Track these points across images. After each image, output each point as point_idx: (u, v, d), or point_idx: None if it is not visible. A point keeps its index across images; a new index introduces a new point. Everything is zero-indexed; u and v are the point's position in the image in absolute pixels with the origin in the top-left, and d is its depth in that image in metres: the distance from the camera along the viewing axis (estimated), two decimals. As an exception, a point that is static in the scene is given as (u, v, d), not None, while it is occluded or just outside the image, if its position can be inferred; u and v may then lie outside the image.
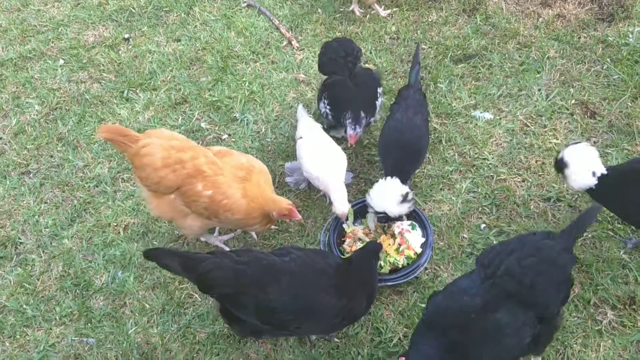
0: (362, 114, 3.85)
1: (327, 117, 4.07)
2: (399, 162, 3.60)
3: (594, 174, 3.24)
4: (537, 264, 2.66)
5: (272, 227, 3.73)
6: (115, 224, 4.01)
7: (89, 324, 3.57)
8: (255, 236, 3.86)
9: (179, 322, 3.53)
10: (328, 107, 4.02)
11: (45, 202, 4.18)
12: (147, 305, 3.61)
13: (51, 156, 4.45)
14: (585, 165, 3.27)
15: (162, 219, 3.74)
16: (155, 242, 3.88)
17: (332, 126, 4.13)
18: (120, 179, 4.25)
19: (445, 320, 2.68)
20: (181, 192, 3.32)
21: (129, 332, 3.50)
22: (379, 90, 4.08)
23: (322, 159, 3.72)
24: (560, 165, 3.35)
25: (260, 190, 3.41)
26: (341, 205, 3.56)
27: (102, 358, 3.43)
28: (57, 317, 3.61)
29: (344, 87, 3.99)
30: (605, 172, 3.24)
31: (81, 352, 3.46)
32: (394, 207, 3.40)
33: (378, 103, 4.03)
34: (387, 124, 3.82)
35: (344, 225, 3.74)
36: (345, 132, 3.87)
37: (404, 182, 3.52)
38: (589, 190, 3.29)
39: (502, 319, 2.60)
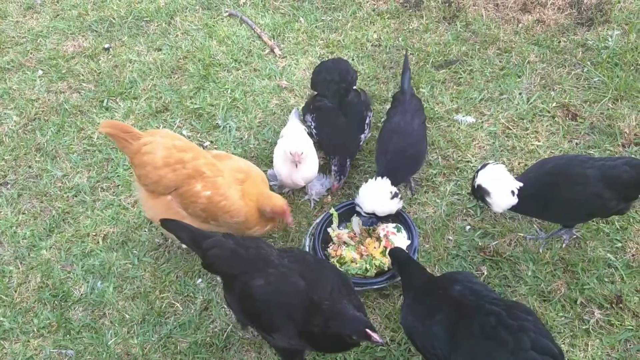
0: (348, 162, 3.87)
1: (311, 135, 4.04)
2: (394, 165, 3.60)
3: (513, 192, 3.21)
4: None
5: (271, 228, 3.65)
6: (94, 234, 3.92)
7: (68, 336, 3.46)
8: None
9: (160, 332, 3.44)
10: (315, 130, 4.01)
11: (23, 213, 4.09)
12: (127, 316, 3.52)
13: (29, 167, 4.37)
14: (504, 187, 3.22)
15: (154, 221, 3.68)
16: (135, 251, 3.80)
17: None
18: (99, 188, 4.17)
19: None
20: (179, 193, 3.28)
21: (109, 343, 3.41)
22: (368, 116, 4.05)
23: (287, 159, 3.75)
24: (481, 194, 3.28)
25: (257, 188, 3.40)
26: (294, 145, 3.64)
27: (81, 370, 3.34)
28: (35, 329, 3.50)
29: (333, 118, 3.95)
30: (520, 184, 3.22)
31: (59, 365, 3.36)
32: (383, 206, 3.41)
33: (363, 136, 4.02)
34: (384, 127, 3.81)
35: (329, 229, 3.69)
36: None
37: (394, 184, 3.54)
38: (511, 208, 3.29)
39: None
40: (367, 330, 2.52)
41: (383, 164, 3.66)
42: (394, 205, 3.48)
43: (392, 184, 3.53)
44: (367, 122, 4.02)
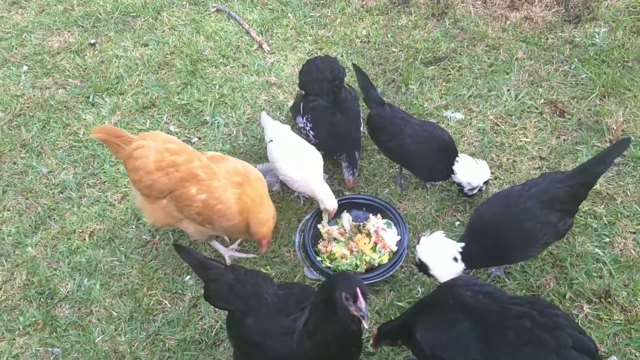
0: (357, 155, 3.84)
1: (307, 137, 4.00)
2: (438, 163, 3.69)
3: (455, 259, 3.10)
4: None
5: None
6: (80, 231, 3.87)
7: (54, 334, 3.42)
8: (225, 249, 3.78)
9: (148, 330, 3.41)
10: (312, 132, 3.96)
11: (8, 210, 4.03)
12: (115, 313, 3.48)
13: (14, 163, 4.30)
14: (444, 258, 3.11)
15: (158, 226, 3.65)
16: (122, 248, 3.76)
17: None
18: (85, 185, 4.12)
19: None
20: (174, 197, 3.23)
21: (96, 341, 3.37)
22: (360, 111, 4.05)
23: (298, 160, 3.67)
24: (423, 269, 3.18)
25: (257, 192, 3.34)
26: (332, 201, 3.56)
27: (68, 368, 3.30)
28: (21, 327, 3.45)
29: (331, 117, 3.91)
30: (461, 247, 3.12)
31: (46, 363, 3.31)
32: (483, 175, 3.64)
33: (361, 129, 4.00)
34: (402, 141, 3.70)
35: (319, 226, 3.68)
36: (342, 170, 3.89)
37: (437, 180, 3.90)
38: (470, 267, 3.19)
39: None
40: (358, 288, 2.30)
41: (436, 170, 3.76)
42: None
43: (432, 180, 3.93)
44: (361, 116, 4.01)
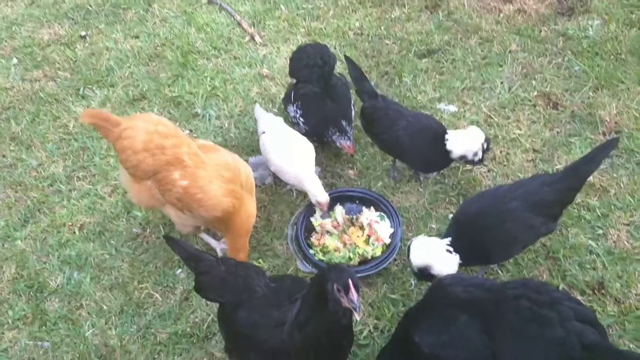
0: (343, 122, 3.80)
1: (297, 125, 3.98)
2: (434, 154, 3.65)
3: (450, 251, 3.07)
4: None
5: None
6: (70, 224, 3.83)
7: (44, 327, 3.38)
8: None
9: (139, 323, 3.37)
10: (301, 119, 3.93)
11: (-3, 203, 3.99)
12: (105, 307, 3.44)
13: (3, 156, 4.25)
14: (441, 254, 3.05)
15: (142, 207, 3.65)
16: (112, 241, 3.72)
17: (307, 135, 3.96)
18: (75, 178, 4.07)
19: None
20: (157, 179, 3.21)
21: (86, 335, 3.33)
22: (351, 100, 4.03)
23: (290, 152, 3.64)
24: (426, 274, 3.09)
25: (244, 196, 3.32)
26: (322, 194, 3.52)
27: (58, 362, 3.26)
28: (10, 321, 3.41)
29: (321, 102, 3.88)
30: (449, 240, 3.09)
31: (36, 357, 3.25)
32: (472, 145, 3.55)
33: (352, 114, 3.98)
34: (396, 133, 3.68)
35: (312, 219, 3.65)
36: (337, 144, 3.84)
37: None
38: (460, 264, 3.13)
39: None
40: (350, 280, 2.24)
41: (428, 162, 3.75)
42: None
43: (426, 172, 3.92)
44: (352, 103, 3.98)
